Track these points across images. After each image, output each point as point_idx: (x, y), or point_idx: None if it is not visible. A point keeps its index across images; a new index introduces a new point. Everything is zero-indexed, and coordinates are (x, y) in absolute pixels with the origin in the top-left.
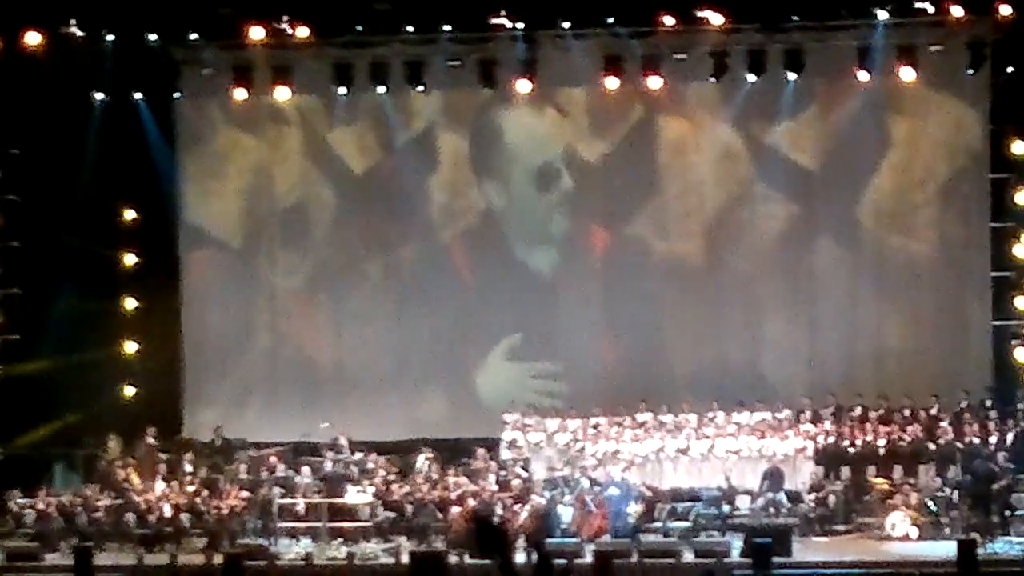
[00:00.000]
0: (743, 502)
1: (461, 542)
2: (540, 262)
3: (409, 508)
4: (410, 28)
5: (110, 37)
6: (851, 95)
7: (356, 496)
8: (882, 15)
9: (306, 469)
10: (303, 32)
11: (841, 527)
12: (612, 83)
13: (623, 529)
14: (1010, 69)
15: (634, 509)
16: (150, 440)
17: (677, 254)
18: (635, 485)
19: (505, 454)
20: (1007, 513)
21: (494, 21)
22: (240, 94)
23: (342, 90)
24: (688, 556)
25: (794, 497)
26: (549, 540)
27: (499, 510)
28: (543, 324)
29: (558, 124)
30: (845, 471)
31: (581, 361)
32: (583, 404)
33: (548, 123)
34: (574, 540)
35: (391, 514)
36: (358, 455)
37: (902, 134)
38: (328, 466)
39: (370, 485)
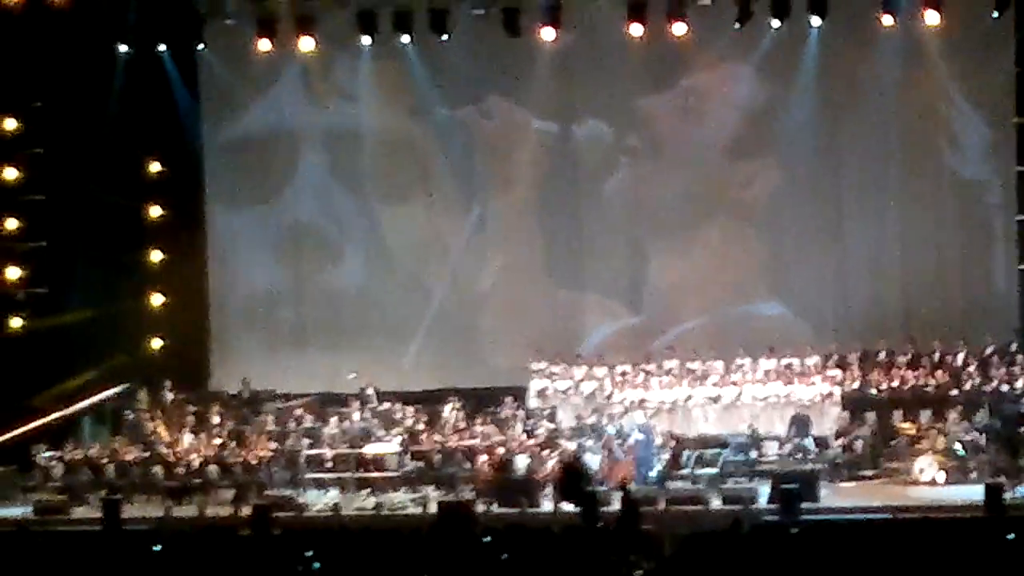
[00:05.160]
0: (770, 448)
1: (488, 491)
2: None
3: (437, 458)
4: None
5: None
6: (876, 39)
7: (383, 446)
8: None
9: (334, 420)
10: None
11: (868, 472)
12: (636, 30)
13: (648, 476)
14: None
15: (659, 456)
16: (168, 393)
17: (705, 199)
18: (659, 431)
19: (532, 403)
20: None
21: None
22: (264, 45)
23: (366, 40)
24: (716, 502)
25: (821, 443)
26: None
27: (526, 459)
28: (572, 268)
29: None
30: (872, 416)
31: (610, 308)
32: (611, 352)
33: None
34: (602, 487)
35: (419, 464)
36: (385, 405)
37: (926, 77)
38: (356, 416)
39: (398, 435)
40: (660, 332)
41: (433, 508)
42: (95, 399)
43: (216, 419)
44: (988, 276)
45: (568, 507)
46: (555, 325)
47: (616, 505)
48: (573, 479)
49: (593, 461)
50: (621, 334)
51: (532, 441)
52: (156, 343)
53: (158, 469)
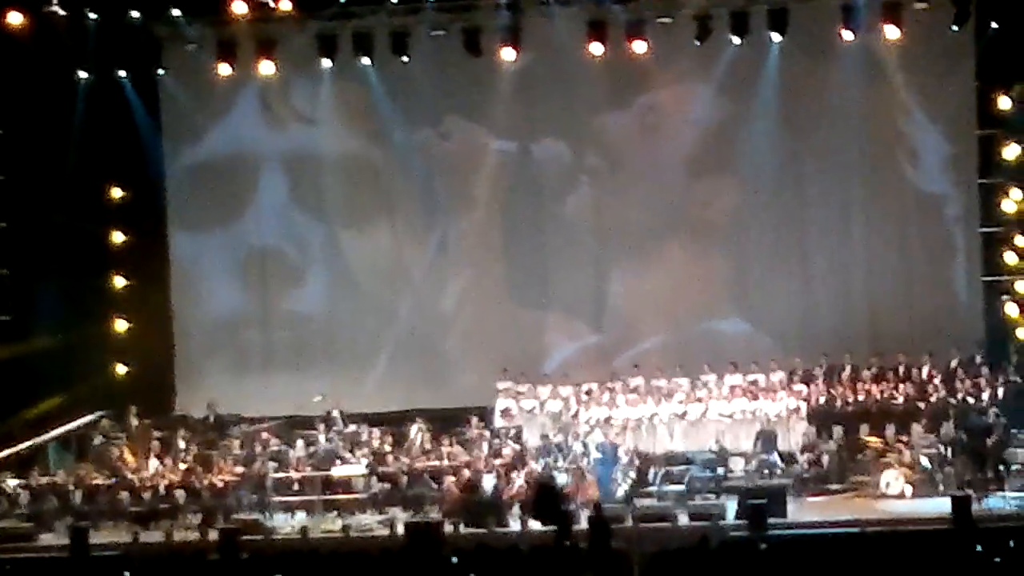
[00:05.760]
0: (737, 464)
1: (456, 512)
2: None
3: (404, 479)
4: None
5: (92, 15)
6: (836, 55)
7: (350, 468)
8: None
9: (300, 443)
10: (286, 5)
11: (835, 486)
12: (596, 49)
13: (609, 494)
14: (994, 25)
15: (621, 474)
16: (134, 418)
17: (666, 216)
18: (625, 449)
19: (498, 422)
20: (1001, 468)
21: None
22: (224, 69)
23: (326, 63)
24: (683, 519)
25: (788, 458)
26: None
27: (493, 479)
28: (534, 287)
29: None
30: (838, 430)
31: (573, 326)
32: (575, 370)
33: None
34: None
35: (386, 485)
36: (352, 427)
37: (886, 92)
38: (322, 439)
39: (364, 457)
40: (623, 350)
41: (401, 529)
42: (67, 427)
43: (182, 444)
44: (951, 289)
45: (539, 525)
46: (519, 345)
47: (584, 523)
48: (547, 497)
49: (560, 479)
50: (584, 352)
51: (498, 461)
52: (121, 368)
53: (125, 495)
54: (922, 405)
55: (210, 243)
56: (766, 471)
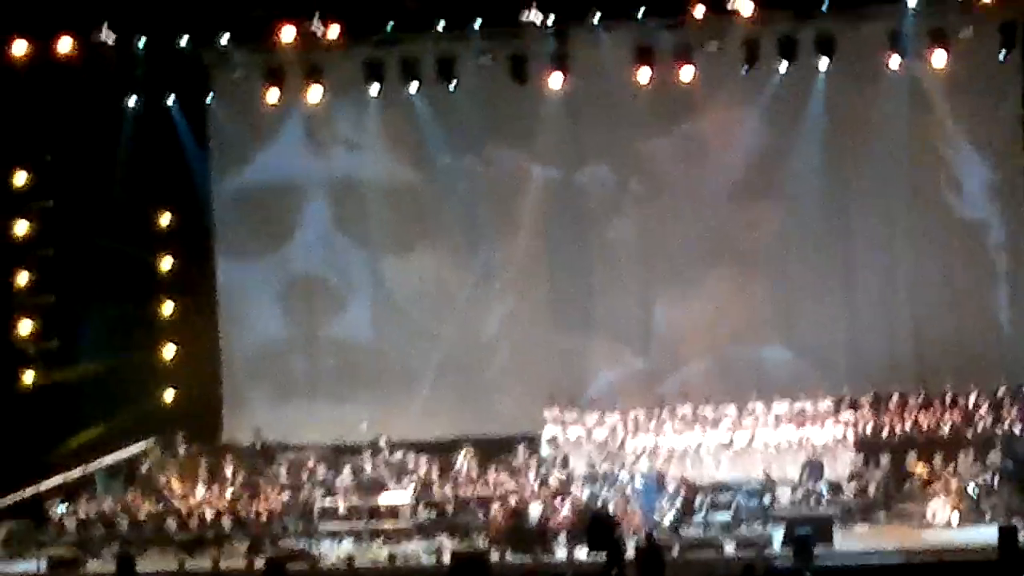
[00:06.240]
0: (784, 493)
1: (502, 540)
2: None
3: (450, 507)
4: (441, 25)
5: (141, 42)
6: (882, 81)
7: (397, 496)
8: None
9: (346, 470)
10: (334, 32)
11: (882, 515)
12: (644, 75)
13: (654, 523)
14: None
15: (667, 503)
16: (181, 446)
17: (710, 242)
18: (672, 477)
19: (545, 450)
20: None
21: (524, 16)
22: (272, 95)
23: (373, 89)
24: (729, 548)
25: (834, 487)
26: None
27: (539, 507)
28: (578, 313)
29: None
30: (885, 459)
31: (617, 352)
32: (620, 396)
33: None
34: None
35: (432, 513)
36: (398, 454)
37: (931, 118)
38: (368, 467)
39: (411, 484)
40: (667, 376)
41: (447, 557)
42: (118, 456)
43: (229, 471)
44: (996, 317)
45: (585, 554)
46: (563, 370)
47: (631, 552)
48: (599, 526)
49: (607, 508)
50: (629, 378)
51: (545, 489)
52: (168, 395)
53: (172, 522)
54: (969, 434)
55: (256, 269)
56: (813, 500)
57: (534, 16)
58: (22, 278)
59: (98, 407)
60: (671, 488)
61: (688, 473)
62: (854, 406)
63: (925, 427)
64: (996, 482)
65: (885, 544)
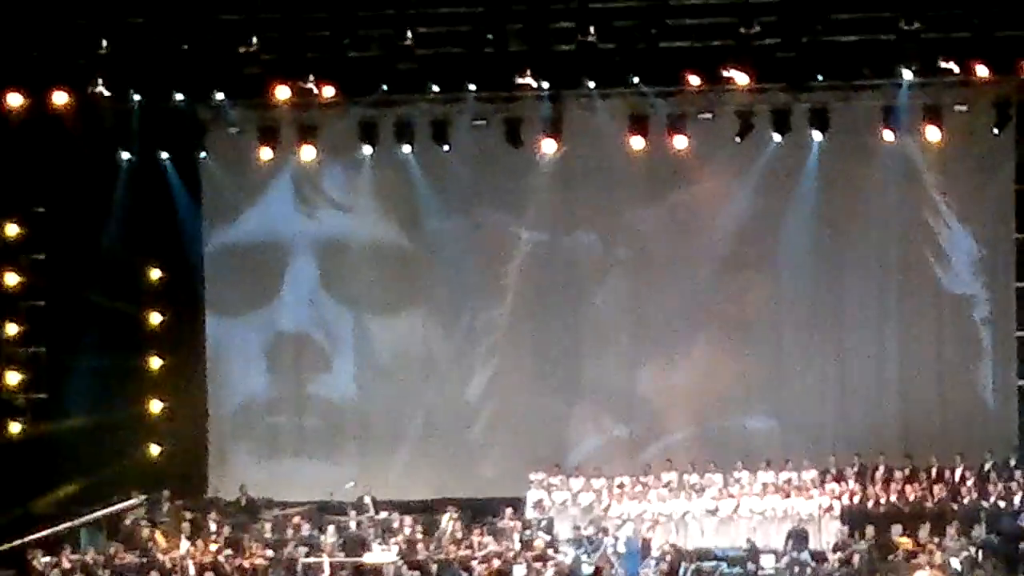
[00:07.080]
0: (768, 562)
1: None
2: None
3: (434, 568)
4: (435, 87)
5: (136, 97)
6: (875, 155)
7: (381, 555)
8: (907, 75)
9: (331, 528)
10: (329, 91)
11: None
12: (637, 143)
13: None
14: None
15: (652, 570)
16: (166, 501)
17: (698, 311)
18: (657, 543)
19: (530, 513)
20: None
21: (519, 81)
22: (266, 153)
23: (367, 149)
24: None
25: (819, 557)
26: None
27: (523, 570)
28: (562, 378)
29: None
30: (870, 530)
31: (600, 418)
32: (602, 463)
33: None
34: None
35: (416, 574)
36: (383, 514)
37: (922, 193)
38: (353, 525)
39: (395, 544)
40: (650, 443)
41: None
42: (107, 510)
43: (213, 526)
44: (982, 392)
45: None
46: (544, 435)
47: None
48: None
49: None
50: (611, 445)
51: (529, 552)
52: (154, 450)
53: (154, 575)
54: (954, 507)
55: (243, 326)
56: (797, 569)
57: (529, 81)
58: (11, 329)
59: (84, 460)
60: (656, 553)
61: (673, 540)
62: (840, 477)
63: (910, 499)
64: (980, 556)
65: None
